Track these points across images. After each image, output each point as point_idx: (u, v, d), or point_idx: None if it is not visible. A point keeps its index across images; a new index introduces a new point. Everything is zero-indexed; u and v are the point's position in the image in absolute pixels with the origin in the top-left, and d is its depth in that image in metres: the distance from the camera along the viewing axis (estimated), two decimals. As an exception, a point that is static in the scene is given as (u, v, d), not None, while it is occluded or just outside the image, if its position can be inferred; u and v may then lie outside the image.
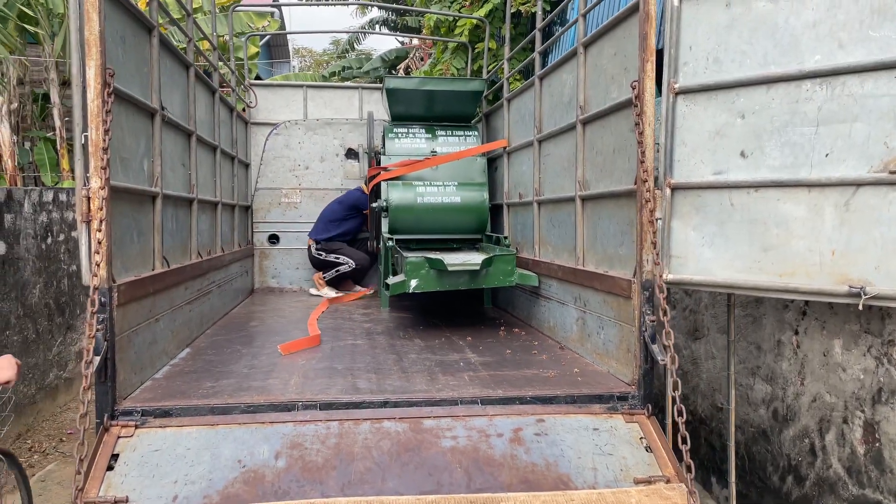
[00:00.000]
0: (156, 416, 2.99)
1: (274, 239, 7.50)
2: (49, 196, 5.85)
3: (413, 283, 4.72)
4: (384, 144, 6.56)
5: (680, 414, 2.81)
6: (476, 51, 7.60)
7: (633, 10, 3.37)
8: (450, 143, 6.50)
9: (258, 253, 7.43)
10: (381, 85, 6.70)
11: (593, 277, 3.85)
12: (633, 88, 3.25)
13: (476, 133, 6.60)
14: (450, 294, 5.16)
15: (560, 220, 4.66)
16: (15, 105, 9.36)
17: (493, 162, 6.62)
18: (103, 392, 2.93)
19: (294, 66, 27.59)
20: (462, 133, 6.57)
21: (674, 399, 2.88)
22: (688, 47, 3.15)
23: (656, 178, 3.21)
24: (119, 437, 2.85)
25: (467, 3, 8.59)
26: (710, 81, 3.05)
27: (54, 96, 9.40)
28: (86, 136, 2.92)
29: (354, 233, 7.16)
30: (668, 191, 3.15)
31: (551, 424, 3.10)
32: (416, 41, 14.11)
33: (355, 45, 21.14)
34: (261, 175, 7.41)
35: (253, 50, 14.70)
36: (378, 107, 7.41)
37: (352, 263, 6.91)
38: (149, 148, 3.76)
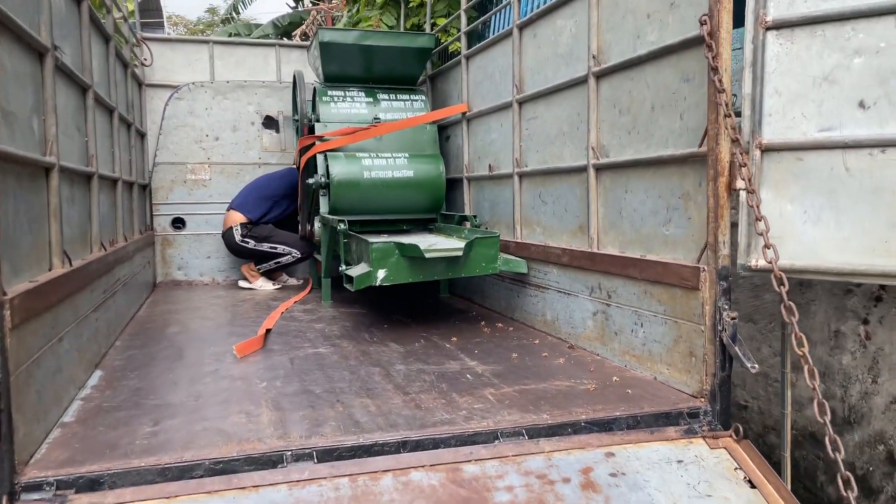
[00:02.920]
0: (80, 488, 2.00)
1: (179, 223, 6.32)
2: None
3: (381, 274, 3.86)
4: (314, 110, 5.58)
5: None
6: (410, 4, 6.71)
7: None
8: (394, 108, 5.61)
9: (160, 240, 6.24)
10: (309, 42, 5.69)
11: (626, 263, 3.16)
12: (703, 24, 2.55)
13: (423, 97, 5.75)
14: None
15: (556, 196, 3.94)
16: None
17: (443, 130, 5.80)
18: (-8, 462, 1.91)
19: (169, 33, 25.27)
20: (407, 97, 5.69)
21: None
22: (774, -28, 2.48)
23: (736, 140, 2.54)
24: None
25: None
26: (816, 11, 2.40)
27: None
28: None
29: (283, 217, 6.11)
30: (756, 153, 2.48)
31: (624, 459, 2.38)
32: (319, 5, 12.87)
33: (239, 10, 19.42)
34: (160, 147, 6.19)
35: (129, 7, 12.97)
36: (302, 68, 6.37)
37: (295, 253, 5.88)
38: (39, 102, 2.67)
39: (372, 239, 4.22)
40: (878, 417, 3.05)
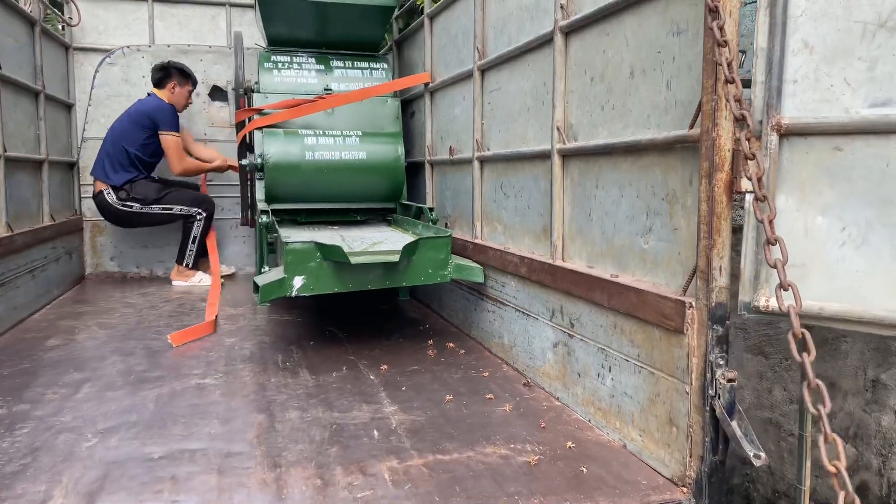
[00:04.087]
0: None
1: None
2: None
3: (297, 282, 3.08)
4: (259, 78, 4.76)
5: None
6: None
7: None
8: (350, 77, 4.77)
9: (89, 226, 5.48)
10: (254, -3, 4.85)
11: (592, 285, 2.34)
12: (700, -54, 1.71)
13: (385, 66, 4.91)
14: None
15: (519, 187, 3.11)
16: None
17: (408, 105, 4.97)
18: None
19: None
20: (367, 65, 4.85)
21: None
22: None
23: (743, 117, 1.70)
24: None
25: None
26: (872, -79, 1.55)
27: None
28: None
29: (154, 166, 5.12)
30: (772, 138, 1.65)
31: None
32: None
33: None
34: (90, 120, 5.40)
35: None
36: (253, 30, 5.55)
37: (198, 213, 5.05)
38: None
39: (293, 236, 3.43)
40: (931, 505, 2.23)
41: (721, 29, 1.65)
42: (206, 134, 5.64)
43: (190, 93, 5.19)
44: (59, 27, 6.24)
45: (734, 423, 1.75)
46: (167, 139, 4.92)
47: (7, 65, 3.97)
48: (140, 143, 4.90)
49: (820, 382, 1.35)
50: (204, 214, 5.07)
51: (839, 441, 1.28)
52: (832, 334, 2.58)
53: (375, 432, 2.29)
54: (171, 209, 4.99)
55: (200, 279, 5.11)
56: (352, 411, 2.49)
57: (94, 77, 5.39)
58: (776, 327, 2.84)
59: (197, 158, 5.26)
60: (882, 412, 2.39)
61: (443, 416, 2.46)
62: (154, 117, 4.91)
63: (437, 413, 2.48)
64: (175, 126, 4.97)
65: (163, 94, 5.03)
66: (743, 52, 2.51)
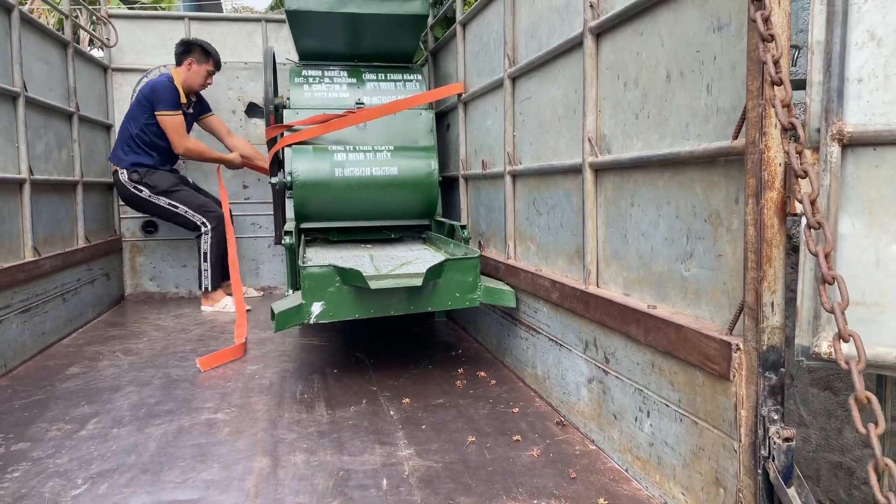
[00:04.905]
0: None
1: (150, 227, 5.53)
2: None
3: (316, 309, 2.91)
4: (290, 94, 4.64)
5: None
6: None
7: None
8: (383, 90, 4.60)
9: (128, 247, 5.46)
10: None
11: (627, 317, 2.07)
12: (741, -77, 1.44)
13: (420, 77, 4.72)
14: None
15: (551, 204, 2.86)
16: None
17: (443, 118, 4.77)
18: None
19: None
20: (400, 77, 4.67)
21: None
22: None
23: (791, 126, 1.41)
24: None
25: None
26: None
27: None
28: None
29: (165, 150, 4.89)
30: (833, 149, 1.36)
31: None
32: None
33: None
34: (128, 140, 5.39)
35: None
36: (289, 46, 5.45)
37: (202, 222, 4.84)
38: None
39: (317, 258, 3.26)
40: None
41: (766, 21, 1.38)
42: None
43: (209, 73, 4.96)
44: (95, 47, 6.29)
45: (792, 492, 1.46)
46: (164, 119, 4.73)
47: (37, 87, 3.95)
48: (142, 123, 4.77)
49: (889, 462, 1.06)
50: (209, 227, 4.85)
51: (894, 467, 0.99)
52: None
53: (384, 481, 2.06)
54: (177, 207, 4.84)
55: (225, 305, 4.92)
56: (363, 454, 2.28)
57: (132, 96, 5.38)
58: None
59: (230, 149, 5.20)
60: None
61: (462, 461, 2.21)
62: (150, 98, 4.74)
63: (456, 458, 2.24)
64: (172, 105, 4.75)
65: (179, 72, 4.87)
66: (796, 47, 2.19)
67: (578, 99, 2.52)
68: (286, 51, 5.37)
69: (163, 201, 4.84)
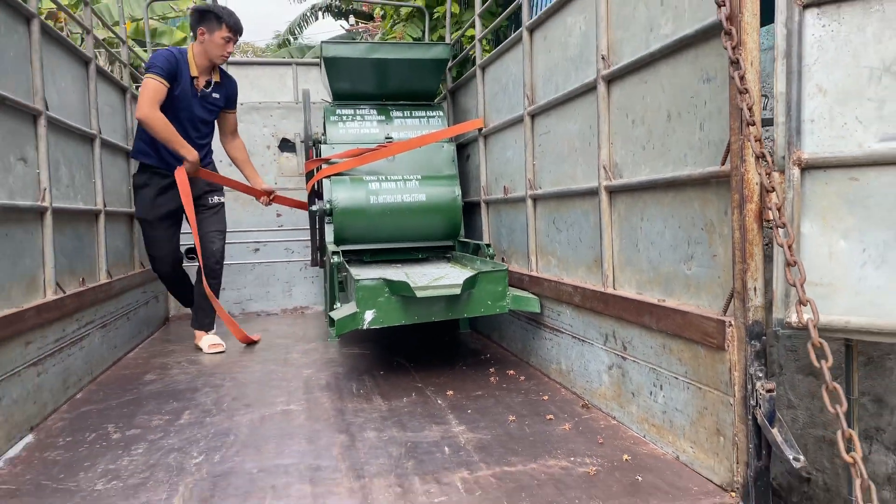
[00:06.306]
0: None
1: (192, 254, 6.00)
2: None
3: (368, 316, 3.37)
4: (325, 131, 5.16)
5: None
6: (435, 16, 6.25)
7: None
8: (409, 126, 5.13)
9: (172, 272, 5.92)
10: (319, 56, 5.28)
11: (641, 310, 2.55)
12: (721, 5, 1.95)
13: (441, 113, 5.25)
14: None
15: (570, 222, 3.35)
16: None
17: (463, 150, 5.29)
18: None
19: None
20: (424, 114, 5.21)
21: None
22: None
23: (762, 155, 1.91)
24: None
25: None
26: (872, -20, 1.77)
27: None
28: None
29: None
30: (794, 172, 1.85)
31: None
32: (363, 26, 12.68)
33: (296, 33, 19.45)
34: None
35: (180, 35, 13.11)
36: (317, 87, 6.00)
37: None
38: None
39: (362, 274, 3.74)
40: (980, 512, 2.32)
41: (742, 78, 1.88)
42: (277, 183, 6.05)
43: (227, 40, 4.16)
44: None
45: (775, 431, 1.92)
46: (144, 81, 4.01)
47: (107, 129, 4.45)
48: None
49: (838, 385, 1.53)
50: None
51: (855, 436, 1.45)
52: (878, 353, 2.71)
53: (446, 448, 2.52)
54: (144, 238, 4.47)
55: (210, 344, 4.45)
56: (423, 431, 2.73)
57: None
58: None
59: (246, 177, 4.72)
60: (928, 424, 2.50)
61: (507, 434, 2.67)
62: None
63: (501, 432, 2.70)
64: (157, 69, 3.98)
65: (193, 46, 4.22)
66: (766, 96, 2.72)
67: (593, 133, 3.02)
68: (315, 91, 5.91)
69: (137, 201, 4.45)
